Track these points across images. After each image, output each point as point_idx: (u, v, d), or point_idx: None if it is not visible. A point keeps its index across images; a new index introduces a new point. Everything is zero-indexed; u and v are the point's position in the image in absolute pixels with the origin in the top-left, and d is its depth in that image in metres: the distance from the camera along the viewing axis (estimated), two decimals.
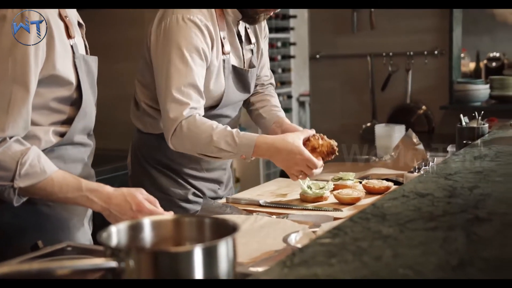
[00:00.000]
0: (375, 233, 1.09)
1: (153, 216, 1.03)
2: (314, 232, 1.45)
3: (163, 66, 1.84)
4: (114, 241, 0.97)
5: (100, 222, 1.74)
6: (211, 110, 1.98)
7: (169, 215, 1.28)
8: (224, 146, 1.78)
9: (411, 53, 4.14)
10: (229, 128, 1.82)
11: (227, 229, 0.98)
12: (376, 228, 1.12)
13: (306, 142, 1.87)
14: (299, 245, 1.38)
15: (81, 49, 1.57)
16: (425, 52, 4.11)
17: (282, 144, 1.80)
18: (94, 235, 1.69)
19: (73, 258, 1.16)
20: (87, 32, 1.67)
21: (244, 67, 2.05)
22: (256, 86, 2.19)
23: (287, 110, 5.31)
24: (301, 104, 6.33)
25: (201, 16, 1.85)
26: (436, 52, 4.09)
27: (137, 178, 2.10)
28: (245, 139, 1.79)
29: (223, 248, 0.92)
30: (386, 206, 1.27)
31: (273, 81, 2.28)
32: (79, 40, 1.57)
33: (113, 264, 0.89)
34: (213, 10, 1.89)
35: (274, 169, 5.40)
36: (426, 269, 0.91)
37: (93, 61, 1.62)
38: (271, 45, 5.36)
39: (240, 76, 2.03)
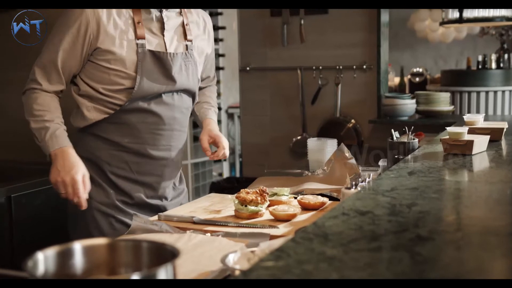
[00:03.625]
0: (319, 255, 1.05)
1: (85, 240, 0.94)
2: (252, 252, 1.40)
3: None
4: (41, 270, 0.88)
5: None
6: (137, 102, 1.98)
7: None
8: (37, 134, 1.90)
9: (340, 67, 4.19)
10: (54, 123, 1.91)
11: (166, 254, 0.92)
12: (319, 249, 1.08)
13: (237, 196, 1.93)
14: (237, 266, 1.33)
15: None
16: (354, 67, 4.17)
17: (68, 161, 1.87)
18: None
19: None
20: None
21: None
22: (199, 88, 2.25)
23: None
24: (230, 116, 6.30)
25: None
26: (364, 66, 4.15)
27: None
28: (54, 140, 1.88)
29: (163, 276, 0.86)
30: (327, 225, 1.24)
31: (215, 81, 2.41)
32: None
33: None
34: None
35: (203, 182, 5.33)
36: None
37: None
38: None
39: (160, 61, 2.00)
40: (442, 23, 4.62)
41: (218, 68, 5.60)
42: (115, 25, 1.93)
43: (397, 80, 6.31)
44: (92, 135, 2.03)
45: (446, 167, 1.97)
